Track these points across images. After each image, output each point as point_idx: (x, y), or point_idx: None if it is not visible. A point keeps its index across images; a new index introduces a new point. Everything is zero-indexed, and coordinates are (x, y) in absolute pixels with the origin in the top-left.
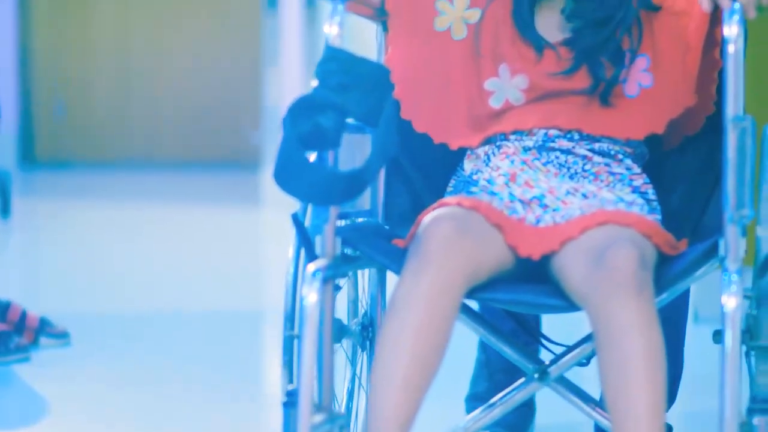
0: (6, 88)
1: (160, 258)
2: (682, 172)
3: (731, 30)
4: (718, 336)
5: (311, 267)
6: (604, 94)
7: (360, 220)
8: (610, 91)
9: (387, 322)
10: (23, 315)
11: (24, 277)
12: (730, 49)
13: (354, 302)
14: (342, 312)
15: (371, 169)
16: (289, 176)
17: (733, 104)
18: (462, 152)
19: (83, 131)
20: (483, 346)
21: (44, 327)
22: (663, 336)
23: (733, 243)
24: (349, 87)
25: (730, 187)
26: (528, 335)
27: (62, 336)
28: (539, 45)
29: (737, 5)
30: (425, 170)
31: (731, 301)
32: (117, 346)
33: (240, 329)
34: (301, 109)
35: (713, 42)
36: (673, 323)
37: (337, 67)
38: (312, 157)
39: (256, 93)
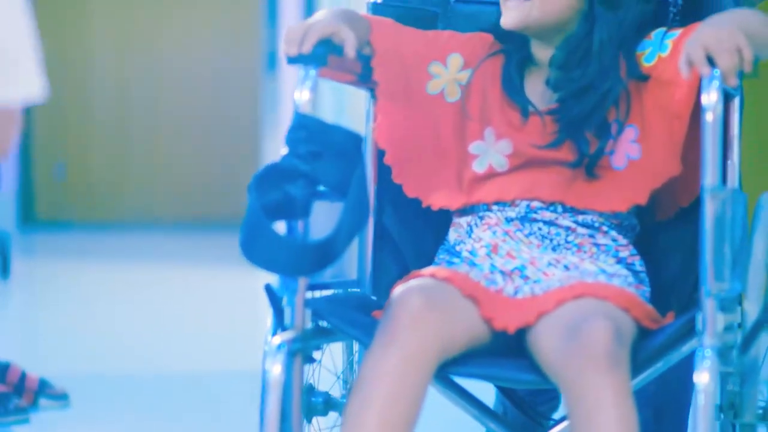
0: None
1: (160, 319)
2: (676, 243)
3: (710, 97)
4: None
5: (276, 339)
6: (589, 168)
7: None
8: (595, 164)
9: (353, 395)
10: (23, 376)
11: (24, 338)
12: (708, 117)
13: (344, 374)
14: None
15: (341, 238)
16: (255, 247)
17: (711, 174)
18: (450, 221)
19: (83, 192)
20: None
21: (44, 388)
22: (668, 405)
23: (710, 318)
24: (320, 155)
25: (708, 260)
26: (516, 407)
27: (62, 398)
28: (525, 110)
29: (717, 72)
30: (414, 239)
31: (704, 378)
32: (117, 408)
33: (239, 391)
34: (269, 178)
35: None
36: (678, 392)
37: (307, 135)
38: (281, 226)
39: (256, 154)
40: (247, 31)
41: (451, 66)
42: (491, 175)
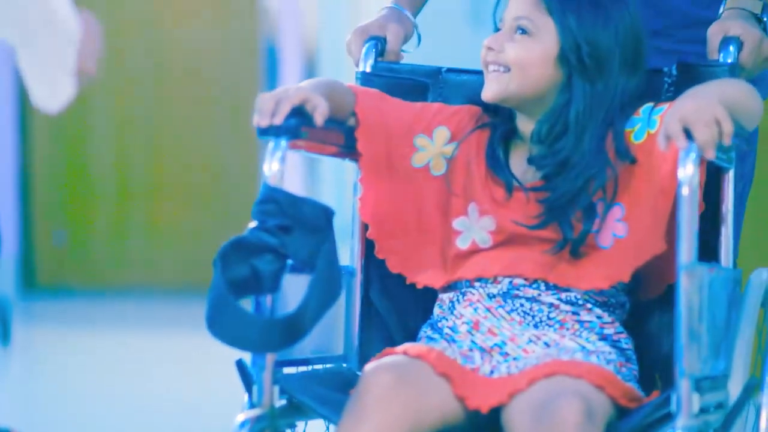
0: (6, 215)
1: (162, 388)
2: (666, 321)
3: (686, 171)
4: None
5: (240, 417)
6: (574, 250)
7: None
8: (579, 246)
9: None
10: None
11: (23, 404)
12: (684, 191)
13: None
14: None
15: (309, 314)
16: (220, 324)
17: (687, 250)
18: (436, 294)
19: (84, 258)
20: None
21: None
22: None
23: (685, 399)
24: (289, 229)
25: (683, 339)
26: None
27: None
28: (509, 185)
29: (693, 145)
30: (400, 314)
31: None
32: None
33: None
34: (236, 251)
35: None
36: None
37: (276, 208)
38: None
39: None
40: (246, 98)
41: (437, 139)
42: (475, 251)
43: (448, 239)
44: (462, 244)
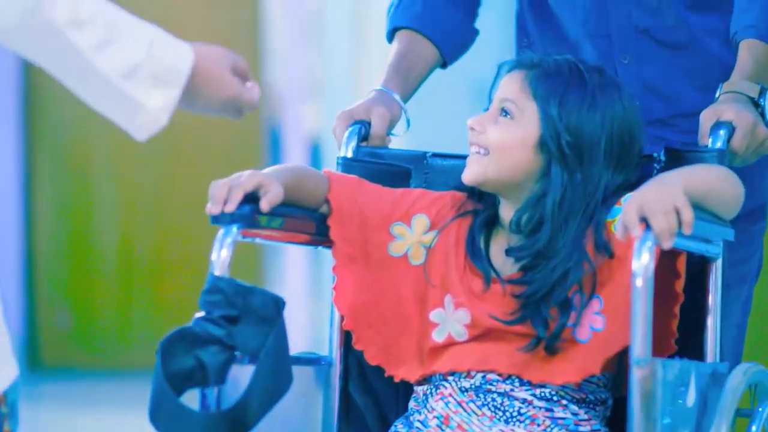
0: (11, 296)
1: None
2: None
3: (640, 261)
4: None
5: None
6: (549, 346)
7: None
8: (554, 342)
9: None
10: None
11: None
12: (638, 282)
13: None
14: None
15: (253, 407)
16: (161, 418)
17: (640, 345)
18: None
19: (88, 339)
20: None
21: None
22: None
23: None
24: (237, 319)
25: None
26: None
27: None
28: (487, 277)
29: (651, 234)
30: (379, 406)
31: None
32: None
33: None
34: (180, 342)
35: (676, 273)
36: None
37: (222, 298)
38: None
39: None
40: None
41: (416, 227)
42: (450, 344)
43: (425, 331)
44: (438, 337)
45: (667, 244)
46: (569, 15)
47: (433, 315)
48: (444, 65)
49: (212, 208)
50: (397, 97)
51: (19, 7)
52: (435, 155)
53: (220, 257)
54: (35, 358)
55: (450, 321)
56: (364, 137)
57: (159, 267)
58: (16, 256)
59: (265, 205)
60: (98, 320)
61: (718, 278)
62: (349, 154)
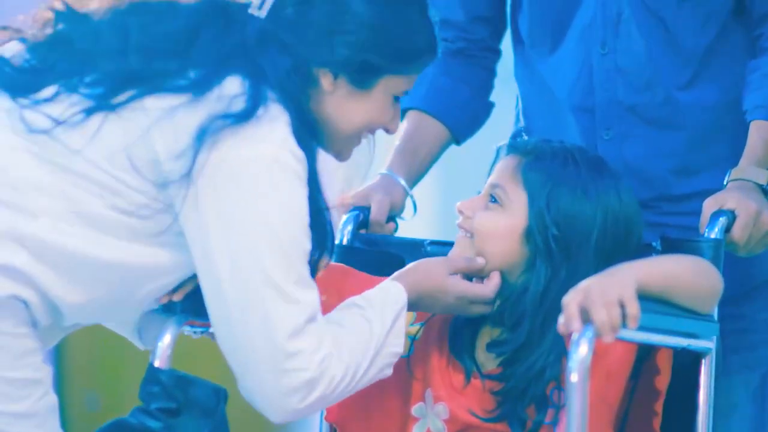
0: None
1: None
2: None
3: (576, 356)
4: None
5: None
6: None
7: None
8: None
9: None
10: None
11: None
12: (573, 378)
13: None
14: None
15: None
16: None
17: None
18: None
19: None
20: None
21: None
22: None
23: None
24: (177, 411)
25: None
26: None
27: None
28: (468, 372)
29: (591, 327)
30: None
31: None
32: None
33: None
34: None
35: (656, 370)
36: None
37: (160, 390)
38: None
39: None
40: None
41: None
42: None
43: (407, 426)
44: (418, 431)
45: (608, 338)
46: (557, 84)
47: (415, 409)
48: (458, 142)
49: (161, 298)
50: (402, 181)
51: None
52: (433, 243)
53: (161, 348)
54: None
55: (430, 416)
56: (363, 224)
57: (186, 348)
58: None
59: None
60: (126, 402)
61: (711, 373)
62: (345, 242)
